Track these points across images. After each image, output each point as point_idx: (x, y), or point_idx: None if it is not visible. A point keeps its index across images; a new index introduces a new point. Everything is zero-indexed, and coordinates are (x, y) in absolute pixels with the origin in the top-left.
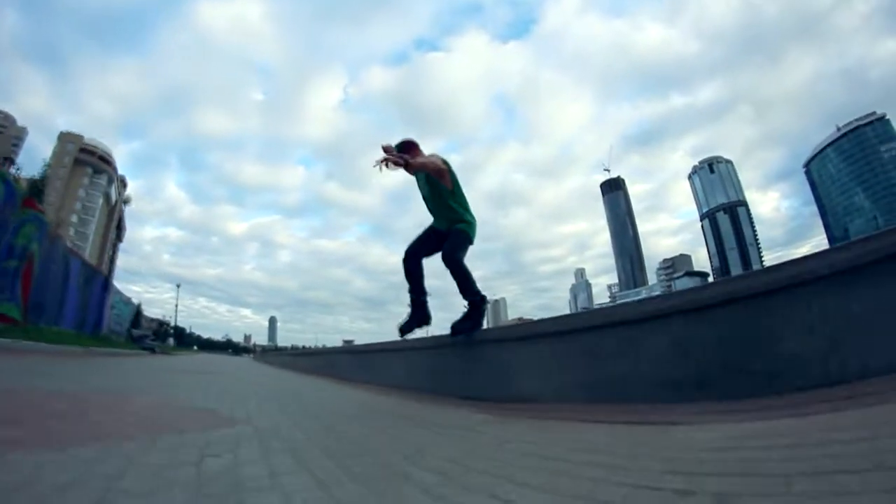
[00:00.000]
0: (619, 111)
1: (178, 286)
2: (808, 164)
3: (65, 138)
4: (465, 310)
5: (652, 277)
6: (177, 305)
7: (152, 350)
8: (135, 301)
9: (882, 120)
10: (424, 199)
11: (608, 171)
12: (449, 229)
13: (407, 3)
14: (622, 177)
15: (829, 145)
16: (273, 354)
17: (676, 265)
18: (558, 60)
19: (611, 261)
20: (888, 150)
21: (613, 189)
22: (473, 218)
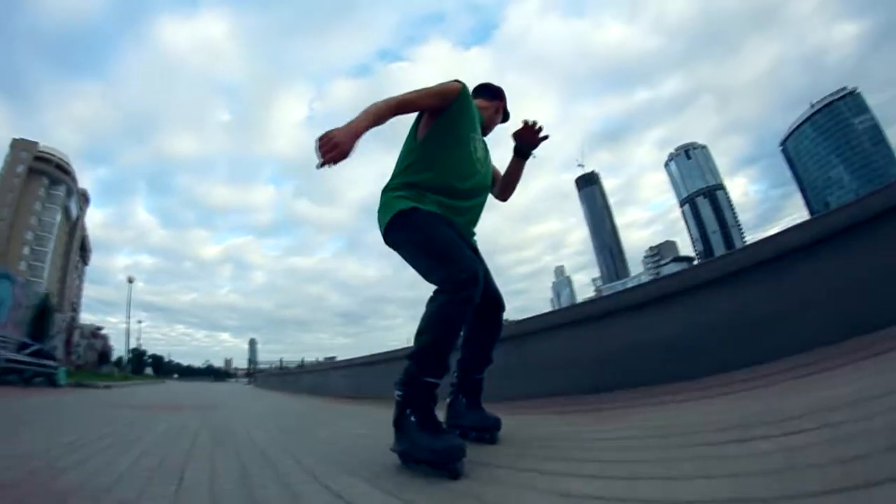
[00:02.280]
0: (585, 109)
1: (129, 303)
2: (784, 143)
3: (18, 146)
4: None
5: (635, 268)
6: (128, 328)
7: (50, 379)
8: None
9: (853, 94)
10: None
11: (582, 166)
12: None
13: (370, 15)
14: (596, 171)
15: (804, 122)
16: (281, 375)
17: (662, 252)
18: (521, 63)
19: (588, 256)
20: (861, 121)
21: (589, 184)
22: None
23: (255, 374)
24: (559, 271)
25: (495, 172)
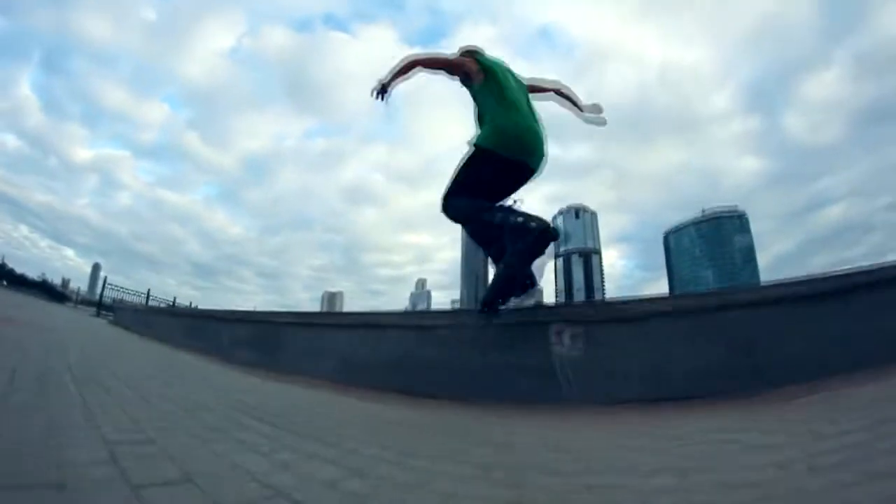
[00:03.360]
0: None
1: None
2: (667, 234)
3: None
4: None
5: None
6: None
7: None
8: None
9: (742, 217)
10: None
11: None
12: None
13: None
14: None
15: (691, 224)
16: (159, 315)
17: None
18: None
19: (452, 278)
20: (740, 240)
21: None
22: (499, 127)
23: (115, 307)
24: (420, 284)
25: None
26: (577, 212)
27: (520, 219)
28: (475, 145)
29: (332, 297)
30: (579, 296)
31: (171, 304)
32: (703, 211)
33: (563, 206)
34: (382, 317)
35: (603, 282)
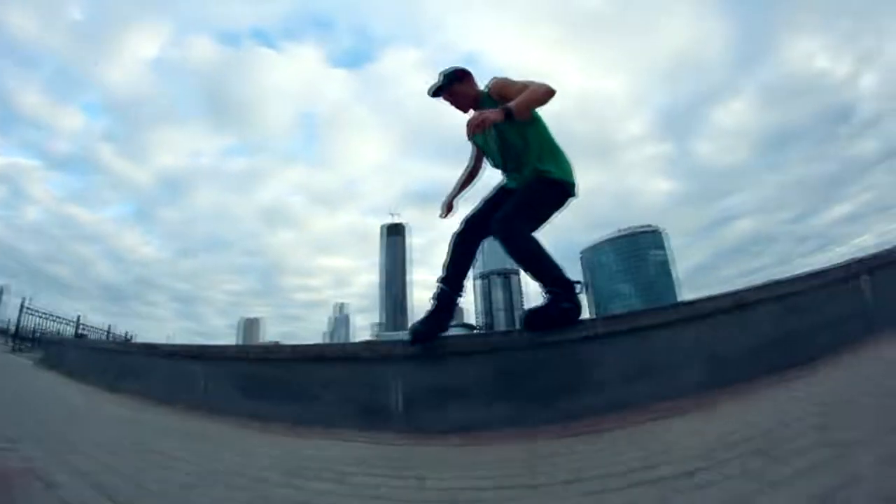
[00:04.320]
0: (412, 167)
1: None
2: (583, 252)
3: None
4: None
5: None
6: None
7: None
8: None
9: (656, 232)
10: (488, 143)
11: (395, 215)
12: (526, 178)
13: None
14: (406, 224)
15: (606, 241)
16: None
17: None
18: (376, 102)
19: (371, 301)
20: (656, 255)
21: (396, 234)
22: (566, 162)
23: (47, 340)
24: (339, 308)
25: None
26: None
27: (576, 286)
28: (559, 180)
29: (250, 324)
30: (499, 316)
31: (124, 336)
32: (619, 230)
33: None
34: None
35: (522, 303)
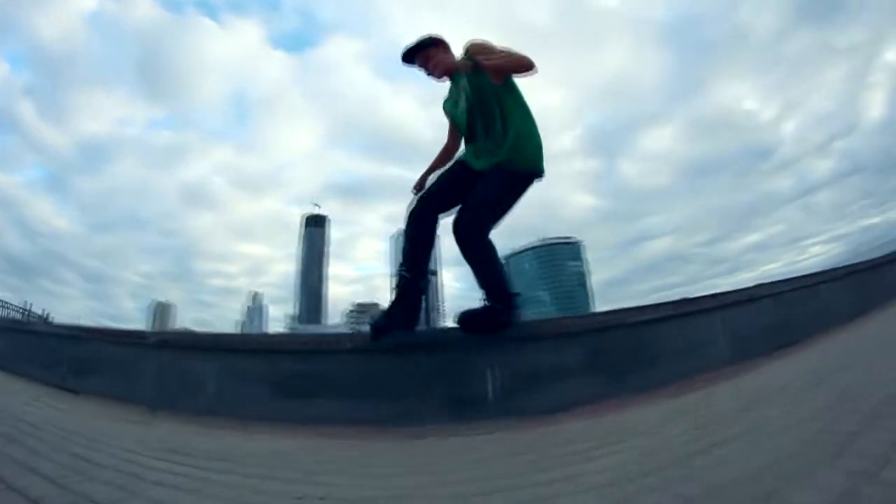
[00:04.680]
0: (339, 158)
1: None
2: (507, 258)
3: None
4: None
5: (332, 318)
6: None
7: None
8: None
9: (575, 244)
10: (458, 105)
11: (318, 206)
12: (495, 167)
13: None
14: (328, 216)
15: (528, 249)
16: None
17: (369, 311)
18: (312, 89)
19: (287, 292)
20: (574, 265)
21: (317, 225)
22: (538, 143)
23: None
24: (255, 297)
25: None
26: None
27: (515, 297)
28: (531, 170)
29: (163, 309)
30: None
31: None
32: (541, 238)
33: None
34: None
35: (439, 302)
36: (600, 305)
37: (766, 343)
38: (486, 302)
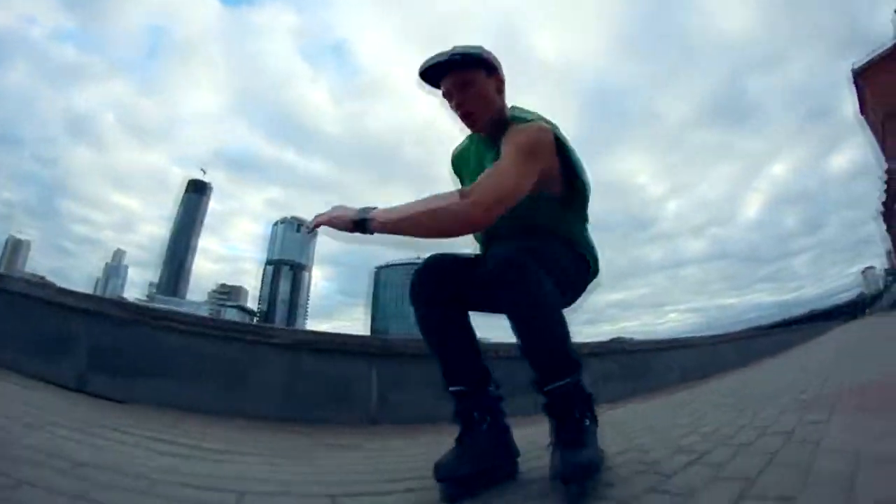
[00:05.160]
0: (239, 127)
1: None
2: (379, 268)
3: None
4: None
5: (193, 294)
6: None
7: None
8: None
9: None
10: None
11: (204, 172)
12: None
13: None
14: (211, 185)
15: (405, 264)
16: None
17: (233, 295)
18: (236, 49)
19: (152, 257)
20: None
21: (199, 192)
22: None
23: None
24: (118, 255)
25: None
26: (300, 226)
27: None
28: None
29: (16, 247)
30: (283, 308)
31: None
32: (419, 257)
33: (287, 214)
34: None
35: (307, 299)
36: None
37: (700, 373)
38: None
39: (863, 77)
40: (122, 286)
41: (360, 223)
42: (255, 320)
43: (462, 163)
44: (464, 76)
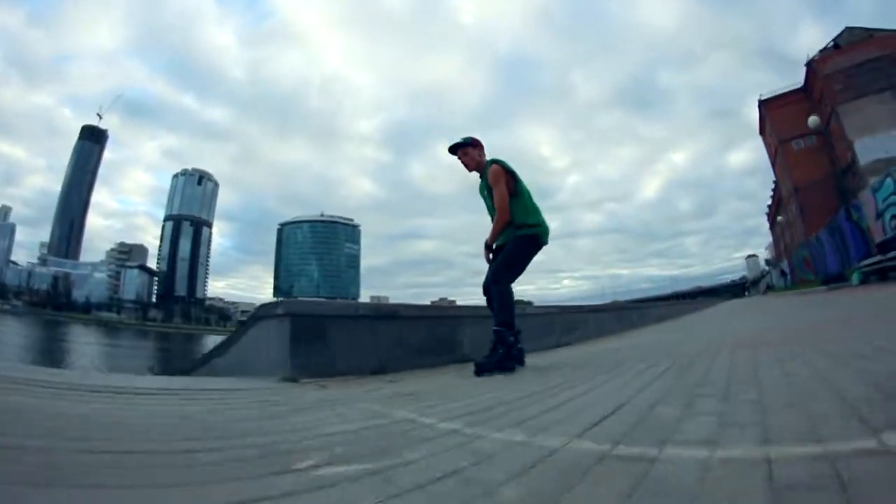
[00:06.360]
0: (138, 70)
1: None
2: (283, 225)
3: None
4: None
5: (89, 254)
6: None
7: None
8: None
9: (356, 227)
10: (488, 208)
11: (101, 117)
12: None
13: None
14: (108, 133)
15: (307, 221)
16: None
17: (133, 254)
18: None
19: (42, 214)
20: (349, 248)
21: (94, 140)
22: (538, 221)
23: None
24: (2, 212)
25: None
26: (201, 178)
27: (517, 347)
28: (531, 236)
29: None
30: (182, 266)
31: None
32: (322, 213)
33: (186, 166)
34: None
35: (208, 257)
36: (364, 291)
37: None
38: (494, 338)
39: (767, 106)
40: (10, 249)
41: (488, 246)
42: (155, 280)
43: (482, 186)
44: (464, 150)
